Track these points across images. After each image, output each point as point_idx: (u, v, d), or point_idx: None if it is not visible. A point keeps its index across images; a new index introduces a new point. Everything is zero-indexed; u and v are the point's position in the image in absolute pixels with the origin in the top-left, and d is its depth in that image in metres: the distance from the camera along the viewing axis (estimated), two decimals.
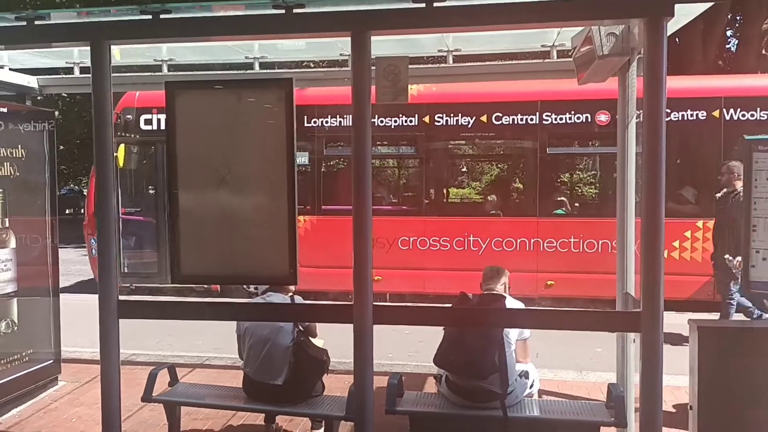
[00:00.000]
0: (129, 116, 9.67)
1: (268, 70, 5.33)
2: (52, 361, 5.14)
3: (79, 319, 5.61)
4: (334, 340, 4.47)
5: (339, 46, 4.65)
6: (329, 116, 9.01)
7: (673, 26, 3.54)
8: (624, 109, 4.18)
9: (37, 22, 3.55)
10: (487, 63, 4.98)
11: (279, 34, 3.59)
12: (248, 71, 5.16)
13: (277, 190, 3.46)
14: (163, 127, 9.26)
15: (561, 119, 8.63)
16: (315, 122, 9.07)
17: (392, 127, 9.01)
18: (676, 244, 8.34)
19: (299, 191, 7.75)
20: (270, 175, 3.50)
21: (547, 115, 8.67)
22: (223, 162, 3.51)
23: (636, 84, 4.08)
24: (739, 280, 6.62)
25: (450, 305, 3.90)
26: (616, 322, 3.68)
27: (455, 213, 9.96)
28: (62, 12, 3.67)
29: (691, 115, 8.30)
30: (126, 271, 9.93)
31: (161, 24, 3.40)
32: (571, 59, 4.51)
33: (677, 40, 13.29)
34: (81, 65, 5.22)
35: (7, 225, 4.62)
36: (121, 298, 3.59)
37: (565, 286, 8.42)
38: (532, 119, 8.72)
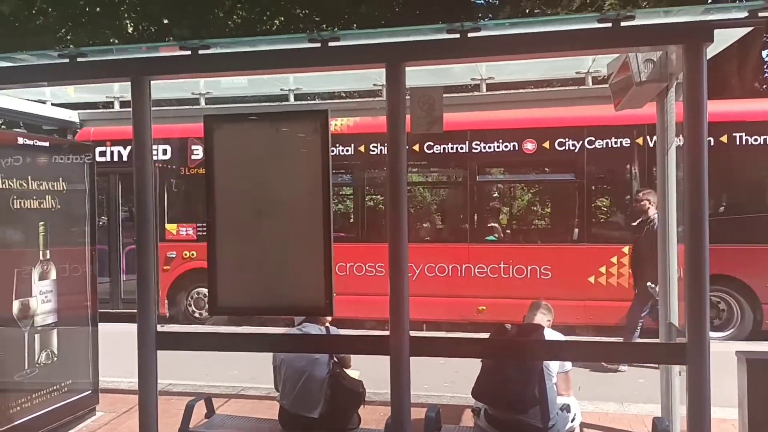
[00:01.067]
0: None
1: (303, 102, 5.40)
2: (90, 392, 5.17)
3: (114, 349, 5.65)
4: (367, 371, 4.42)
5: (373, 77, 4.69)
6: None
7: (711, 51, 3.49)
8: (663, 135, 4.12)
9: (79, 59, 3.65)
10: (521, 91, 4.98)
11: (315, 67, 3.62)
12: (283, 103, 5.23)
13: (313, 221, 3.47)
14: (116, 158, 9.98)
15: (489, 148, 8.82)
16: None
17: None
18: (603, 269, 8.47)
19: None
20: (306, 206, 3.51)
21: (476, 144, 8.89)
22: (260, 193, 3.55)
23: (675, 109, 4.02)
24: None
25: (487, 336, 3.83)
26: (660, 354, 3.57)
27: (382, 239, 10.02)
28: (104, 49, 3.76)
29: (616, 143, 8.49)
30: None
31: (200, 59, 3.47)
32: (606, 86, 4.47)
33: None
34: (121, 99, 5.35)
35: (48, 257, 4.71)
36: (159, 329, 3.61)
37: (497, 311, 8.41)
38: (462, 148, 8.98)
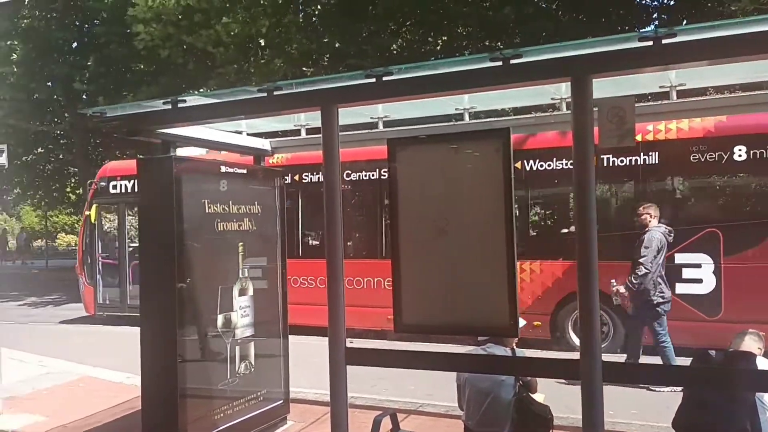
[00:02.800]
0: (103, 183, 12.66)
1: (476, 120, 5.40)
2: (282, 401, 5.49)
3: (298, 360, 5.94)
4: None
5: (551, 91, 4.57)
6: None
7: None
8: None
9: (275, 93, 3.96)
10: (719, 96, 4.58)
11: (496, 85, 3.62)
12: (458, 122, 5.28)
13: (496, 240, 3.43)
14: (124, 190, 12.44)
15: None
16: None
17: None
18: None
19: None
20: (488, 225, 3.50)
21: (384, 171, 8.98)
22: (442, 213, 3.58)
23: None
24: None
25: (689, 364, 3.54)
26: None
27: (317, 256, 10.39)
28: (297, 81, 4.03)
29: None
30: (100, 301, 12.67)
31: (384, 86, 3.61)
32: None
33: None
34: (306, 127, 5.70)
35: (246, 274, 5.12)
36: (348, 345, 3.76)
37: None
38: (373, 175, 10.03)
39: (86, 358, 8.85)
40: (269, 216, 5.44)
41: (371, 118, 5.42)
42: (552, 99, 4.86)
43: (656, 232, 6.95)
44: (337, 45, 16.15)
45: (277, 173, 5.65)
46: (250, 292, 5.13)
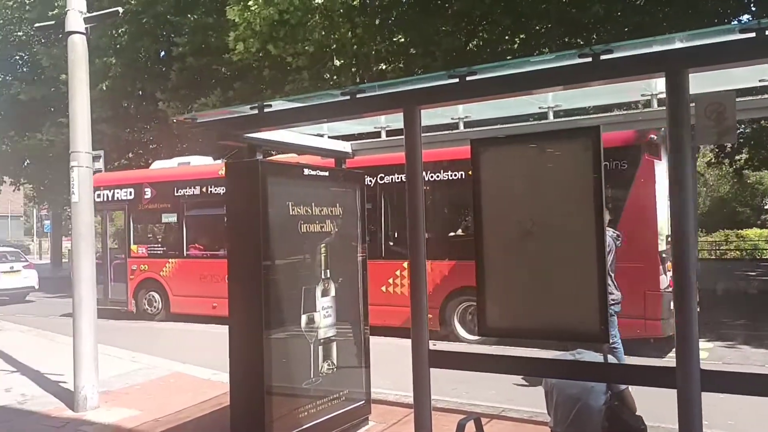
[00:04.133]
0: None
1: (560, 119, 5.25)
2: (363, 402, 5.51)
3: (377, 361, 5.96)
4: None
5: (641, 86, 4.40)
6: (188, 188, 13.34)
7: None
8: None
9: (358, 96, 3.99)
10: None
11: (584, 82, 3.52)
12: (541, 122, 5.16)
13: (585, 242, 3.33)
14: (105, 199, 14.48)
15: None
16: (179, 192, 13.46)
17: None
18: (390, 280, 10.63)
19: (171, 241, 13.24)
20: (577, 226, 3.40)
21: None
22: (527, 214, 3.51)
23: None
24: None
25: None
26: None
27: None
28: (381, 84, 4.06)
29: (397, 179, 10.50)
30: None
31: (468, 86, 3.57)
32: None
33: None
34: (386, 129, 5.72)
35: (329, 275, 5.18)
36: (431, 348, 3.74)
37: None
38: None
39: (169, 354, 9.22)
40: (350, 218, 5.49)
41: (451, 119, 5.38)
42: (642, 95, 4.68)
43: (606, 235, 6.83)
44: (411, 47, 16.15)
45: (358, 176, 5.69)
46: (332, 292, 5.20)
